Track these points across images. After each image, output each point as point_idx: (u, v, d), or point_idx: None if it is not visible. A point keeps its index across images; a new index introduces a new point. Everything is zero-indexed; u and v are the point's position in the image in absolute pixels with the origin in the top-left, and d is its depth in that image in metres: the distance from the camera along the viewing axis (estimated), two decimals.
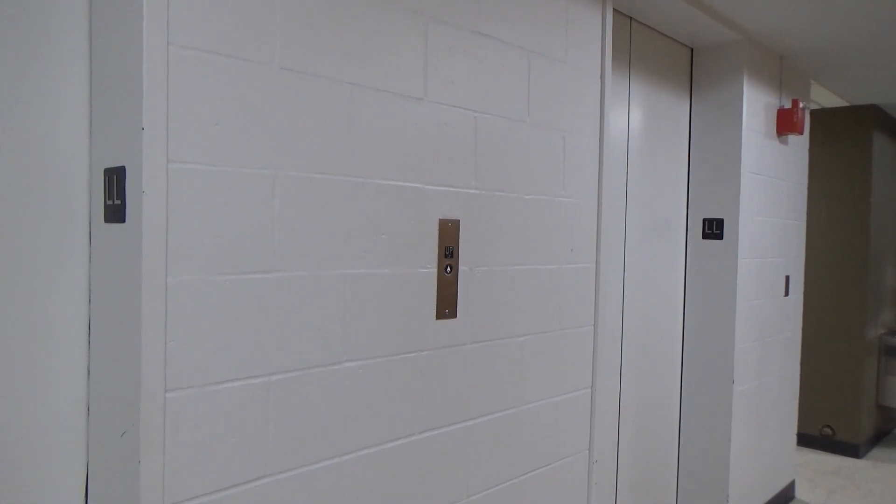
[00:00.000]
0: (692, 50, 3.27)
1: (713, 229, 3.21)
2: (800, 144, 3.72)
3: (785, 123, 3.41)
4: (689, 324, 3.30)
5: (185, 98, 1.22)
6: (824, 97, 4.62)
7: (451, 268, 1.71)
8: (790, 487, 3.85)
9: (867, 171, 4.52)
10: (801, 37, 3.16)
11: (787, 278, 3.66)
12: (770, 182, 3.40)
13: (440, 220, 1.68)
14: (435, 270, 1.68)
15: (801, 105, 3.39)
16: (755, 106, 3.22)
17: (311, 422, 1.43)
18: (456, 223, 1.71)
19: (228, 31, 1.26)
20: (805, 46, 3.29)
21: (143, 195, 1.17)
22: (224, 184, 1.28)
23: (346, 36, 1.46)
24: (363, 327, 1.52)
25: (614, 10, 2.60)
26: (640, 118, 2.90)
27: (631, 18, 2.82)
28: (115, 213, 1.24)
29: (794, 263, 3.75)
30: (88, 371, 1.34)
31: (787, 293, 3.66)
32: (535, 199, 1.97)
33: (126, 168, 1.21)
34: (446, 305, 1.70)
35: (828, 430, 4.65)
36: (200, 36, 1.23)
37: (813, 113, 4.77)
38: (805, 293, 4.71)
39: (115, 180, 1.24)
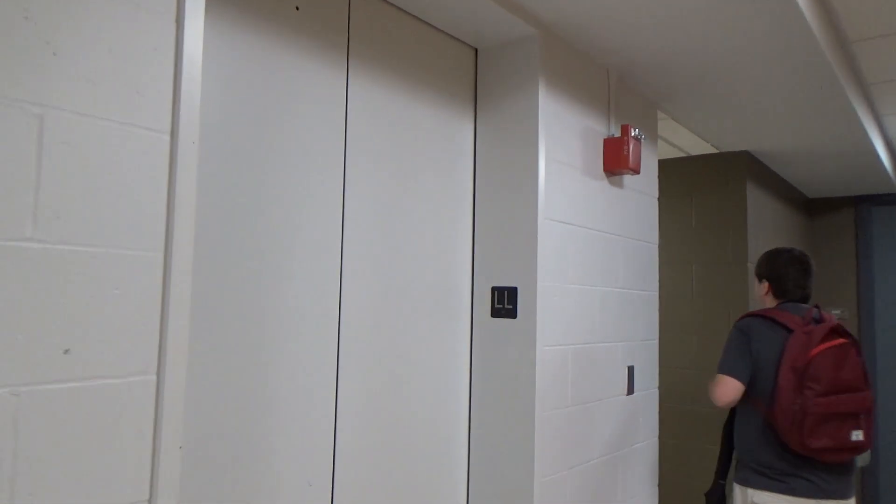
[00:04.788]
0: (476, 51, 2.34)
1: (504, 303, 2.19)
2: (645, 191, 2.81)
3: (613, 157, 2.49)
4: (474, 449, 2.22)
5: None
6: (694, 145, 3.82)
7: None
8: None
9: (743, 227, 3.67)
10: (625, 43, 2.28)
11: (631, 370, 2.66)
12: (594, 237, 2.44)
13: None
14: None
15: (633, 132, 2.48)
16: (564, 129, 2.29)
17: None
18: None
19: None
20: (634, 59, 2.42)
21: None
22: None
23: None
24: None
25: None
26: (368, 133, 1.90)
27: None
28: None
29: (643, 348, 2.77)
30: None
31: (630, 390, 2.65)
32: None
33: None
34: None
35: None
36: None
37: (679, 161, 3.95)
38: (666, 384, 3.74)
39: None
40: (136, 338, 1.11)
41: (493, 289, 2.20)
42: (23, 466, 0.98)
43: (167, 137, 1.17)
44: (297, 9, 1.71)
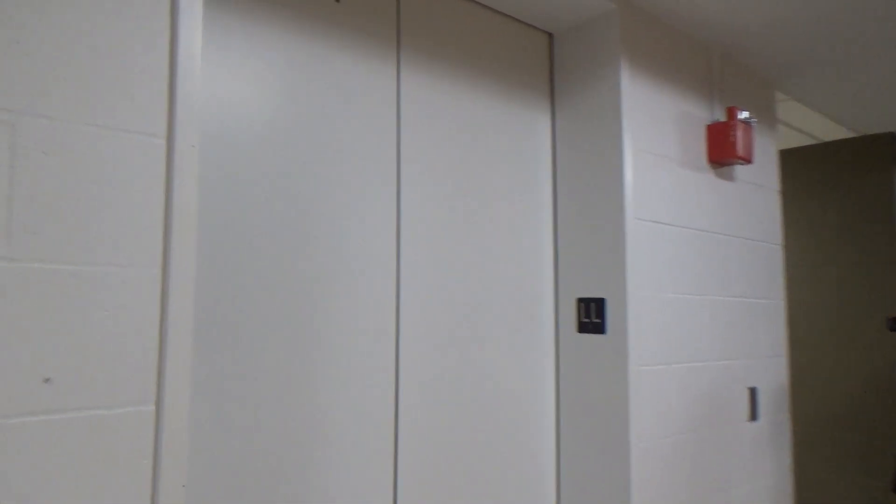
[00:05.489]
0: (551, 36, 2.11)
1: (591, 316, 1.92)
2: (762, 183, 2.43)
3: (719, 145, 2.16)
4: (564, 486, 1.97)
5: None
6: (826, 129, 3.33)
7: None
8: None
9: (891, 220, 3.12)
10: (728, 14, 1.96)
11: (754, 392, 2.28)
12: (699, 238, 2.12)
13: None
14: None
15: (741, 115, 2.14)
16: (655, 115, 2.00)
17: None
18: None
19: None
20: (741, 31, 2.08)
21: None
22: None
23: None
24: None
25: None
26: (424, 133, 1.73)
27: None
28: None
29: (768, 366, 2.38)
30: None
31: (753, 415, 2.27)
32: None
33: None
34: None
35: None
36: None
37: (808, 149, 3.46)
38: (802, 407, 3.25)
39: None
40: (128, 364, 1.00)
41: (579, 300, 1.95)
42: None
43: (162, 141, 1.05)
44: (337, 1, 1.58)
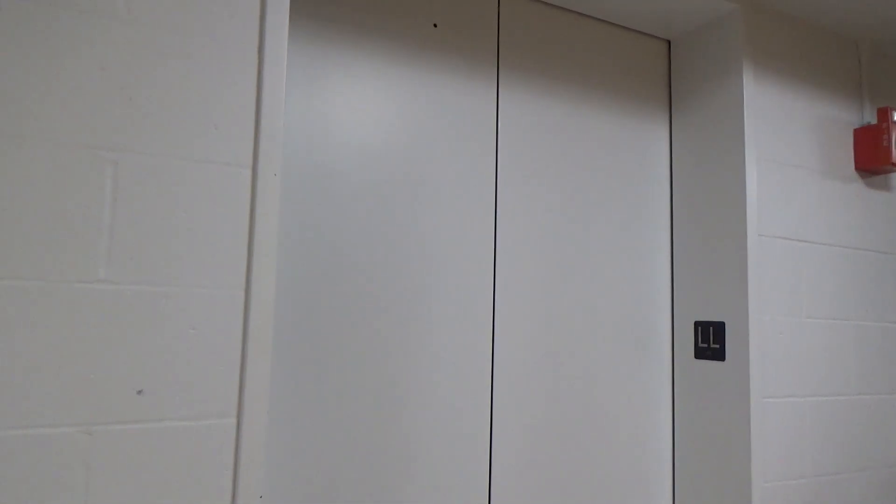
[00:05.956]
0: (669, 43, 1.99)
1: (709, 341, 1.78)
2: None
3: (868, 151, 1.91)
4: None
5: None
6: None
7: None
8: None
9: None
10: (880, 4, 1.74)
11: None
12: (844, 256, 1.88)
13: None
14: None
15: (895, 116, 1.88)
16: (788, 121, 1.81)
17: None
18: None
19: None
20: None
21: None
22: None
23: None
24: None
25: None
26: (524, 150, 1.70)
27: None
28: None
29: None
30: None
31: None
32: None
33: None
34: None
35: None
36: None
37: None
38: None
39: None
40: (214, 379, 1.08)
41: (697, 324, 1.81)
42: None
43: (248, 171, 1.13)
44: (435, 26, 1.61)
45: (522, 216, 1.68)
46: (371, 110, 1.50)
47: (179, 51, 1.09)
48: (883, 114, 1.89)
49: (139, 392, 1.02)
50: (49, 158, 0.99)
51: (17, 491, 0.94)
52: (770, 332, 1.72)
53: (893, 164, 1.87)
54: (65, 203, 0.99)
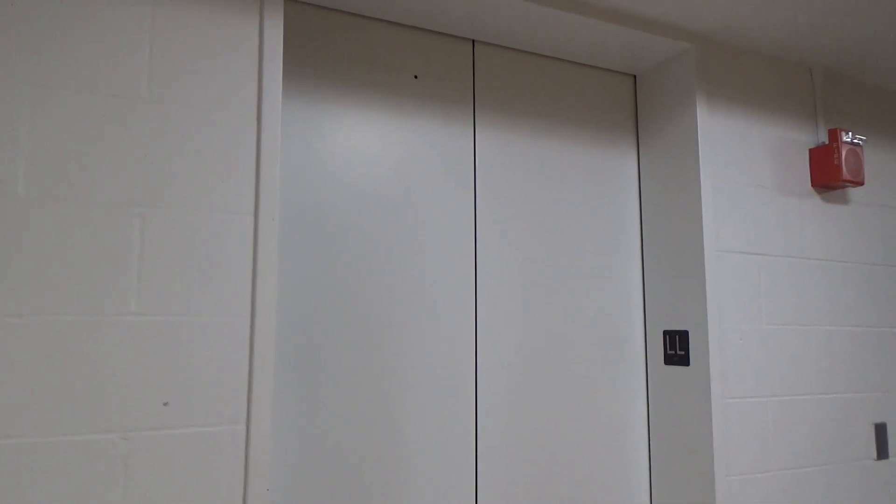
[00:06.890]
0: (635, 78, 2.19)
1: (676, 348, 1.96)
2: (887, 204, 2.27)
3: (822, 169, 2.08)
4: None
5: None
6: None
7: None
8: None
9: None
10: (828, 31, 1.91)
11: (881, 429, 2.13)
12: (804, 266, 2.05)
13: None
14: None
15: (845, 137, 2.05)
16: (743, 145, 2.00)
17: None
18: None
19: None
20: (848, 46, 2.01)
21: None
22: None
23: None
24: None
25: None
26: (501, 181, 1.91)
27: (473, 41, 1.92)
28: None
29: None
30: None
31: (882, 454, 2.12)
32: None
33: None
34: None
35: None
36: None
37: None
38: None
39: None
40: (227, 392, 1.30)
41: (665, 332, 1.99)
42: (131, 502, 1.21)
43: (251, 218, 1.36)
44: (416, 77, 1.83)
45: (501, 241, 1.88)
46: (361, 154, 1.72)
47: (192, 122, 1.33)
48: (833, 134, 2.06)
49: (165, 404, 1.25)
50: (87, 216, 1.22)
51: (71, 484, 1.17)
52: (731, 338, 1.89)
53: (844, 180, 2.03)
54: (101, 251, 1.23)
